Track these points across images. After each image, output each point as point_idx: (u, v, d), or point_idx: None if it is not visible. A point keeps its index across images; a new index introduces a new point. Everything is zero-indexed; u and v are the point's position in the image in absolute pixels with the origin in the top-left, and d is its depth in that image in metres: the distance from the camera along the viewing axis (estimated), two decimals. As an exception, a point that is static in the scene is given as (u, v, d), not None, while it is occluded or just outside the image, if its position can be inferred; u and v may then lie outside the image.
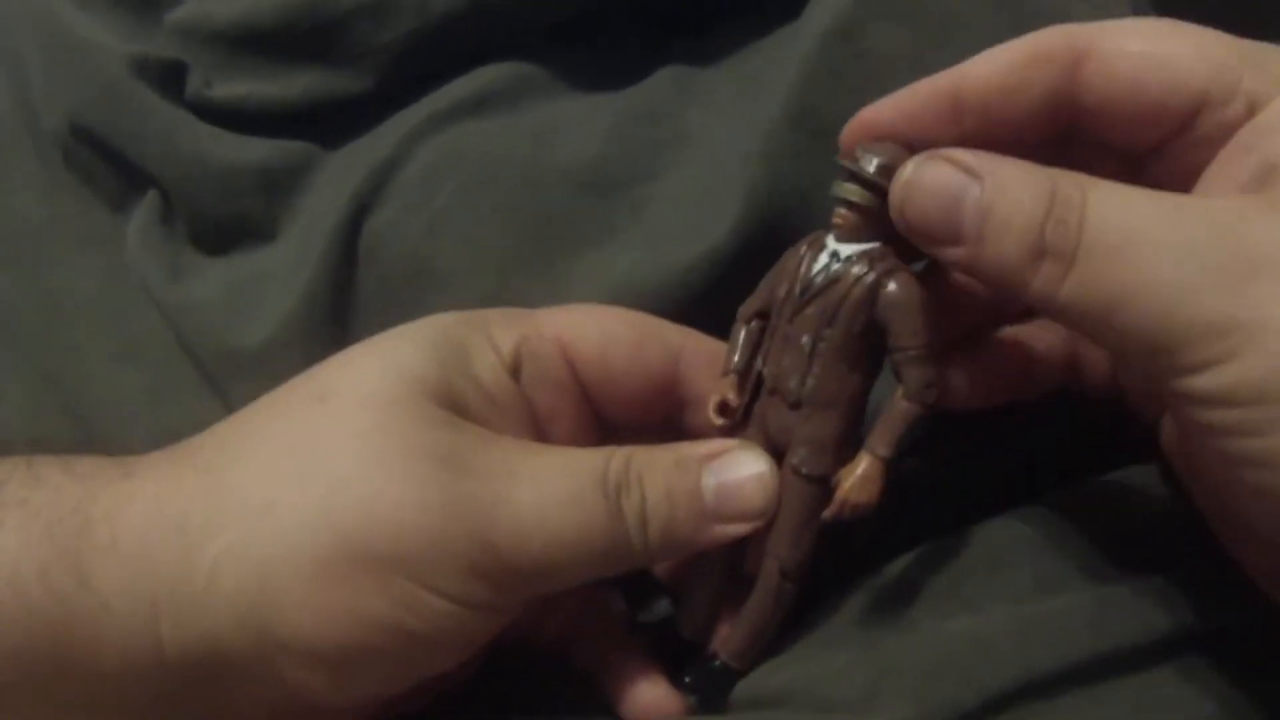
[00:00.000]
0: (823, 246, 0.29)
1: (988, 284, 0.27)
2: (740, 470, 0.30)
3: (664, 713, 0.32)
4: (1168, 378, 0.24)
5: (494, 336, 0.32)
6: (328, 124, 0.39)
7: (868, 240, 0.29)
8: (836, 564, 0.32)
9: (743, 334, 0.31)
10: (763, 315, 0.31)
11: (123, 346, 0.41)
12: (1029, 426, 0.33)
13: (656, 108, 0.37)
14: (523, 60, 0.38)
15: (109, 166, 0.42)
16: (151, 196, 0.41)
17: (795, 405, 0.30)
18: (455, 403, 0.30)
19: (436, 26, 0.37)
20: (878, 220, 0.28)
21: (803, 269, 0.29)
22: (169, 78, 0.40)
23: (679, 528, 0.29)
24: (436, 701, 0.32)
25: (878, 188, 0.28)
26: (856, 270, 0.29)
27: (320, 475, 0.28)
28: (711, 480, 0.30)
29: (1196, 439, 0.25)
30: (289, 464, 0.28)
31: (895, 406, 0.28)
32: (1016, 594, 0.29)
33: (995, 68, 0.27)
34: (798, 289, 0.29)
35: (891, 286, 0.28)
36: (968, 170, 0.26)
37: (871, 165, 0.28)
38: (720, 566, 0.32)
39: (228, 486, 0.29)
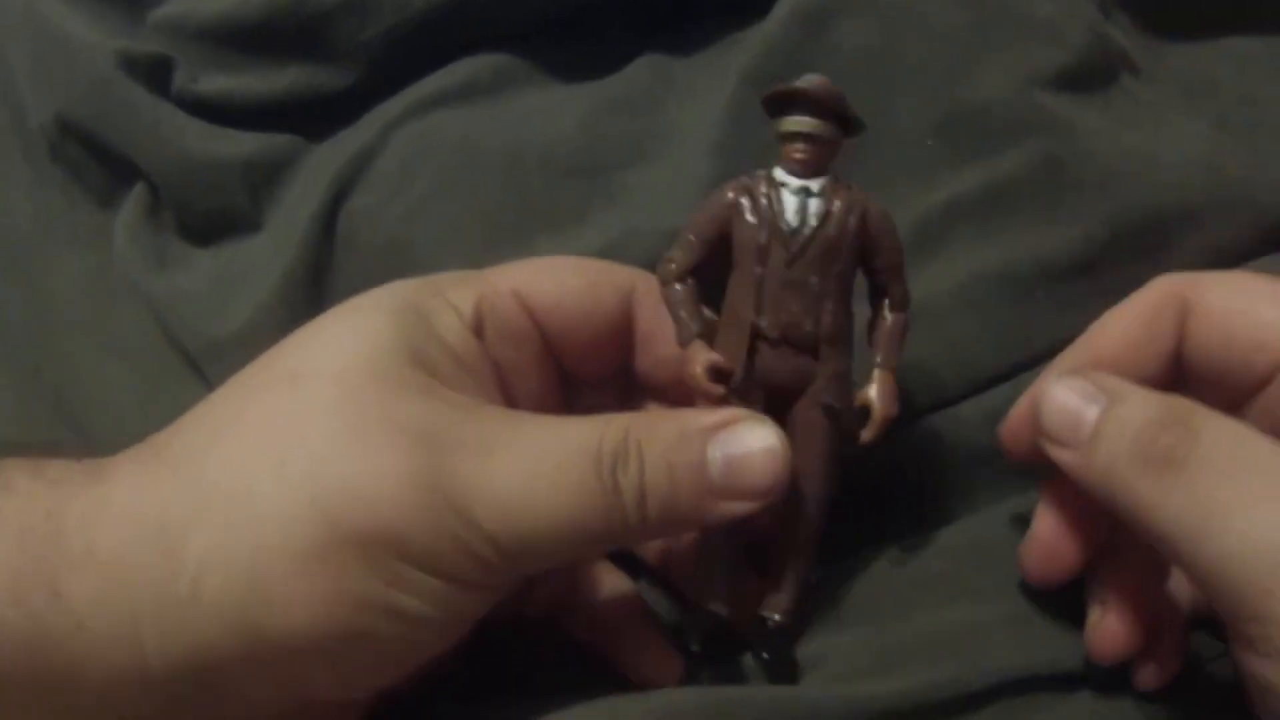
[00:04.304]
0: (781, 186, 0.29)
1: (1094, 492, 0.28)
2: (750, 443, 0.28)
3: (668, 676, 0.31)
4: (1239, 619, 0.24)
5: (452, 298, 0.31)
6: (312, 117, 0.40)
7: (824, 173, 0.29)
8: (837, 550, 0.33)
9: (685, 297, 0.30)
10: (692, 272, 0.30)
11: (110, 340, 0.41)
12: None
13: (635, 97, 0.38)
14: (503, 53, 0.39)
15: (96, 162, 0.42)
16: (139, 189, 0.41)
17: (812, 347, 0.30)
18: (426, 367, 0.29)
19: (419, 22, 0.38)
20: (831, 148, 0.29)
21: (781, 215, 0.29)
22: (155, 73, 0.40)
23: (680, 504, 0.28)
24: (426, 681, 0.32)
25: (832, 112, 0.29)
26: (840, 204, 0.29)
27: (299, 458, 0.27)
28: (718, 453, 0.28)
29: (1254, 689, 0.25)
30: (265, 449, 0.27)
31: (889, 321, 0.30)
32: (1009, 583, 0.30)
33: (1119, 330, 0.30)
34: (787, 233, 0.29)
35: (874, 210, 0.29)
36: (1095, 383, 0.28)
37: (820, 89, 0.29)
38: (729, 539, 0.31)
39: (203, 480, 0.27)
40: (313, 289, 0.37)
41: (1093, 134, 0.35)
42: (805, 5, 0.35)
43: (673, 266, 0.30)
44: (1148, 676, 0.29)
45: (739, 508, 0.28)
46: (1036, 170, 0.34)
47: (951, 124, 0.35)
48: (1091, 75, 0.36)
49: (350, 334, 0.29)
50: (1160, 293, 0.30)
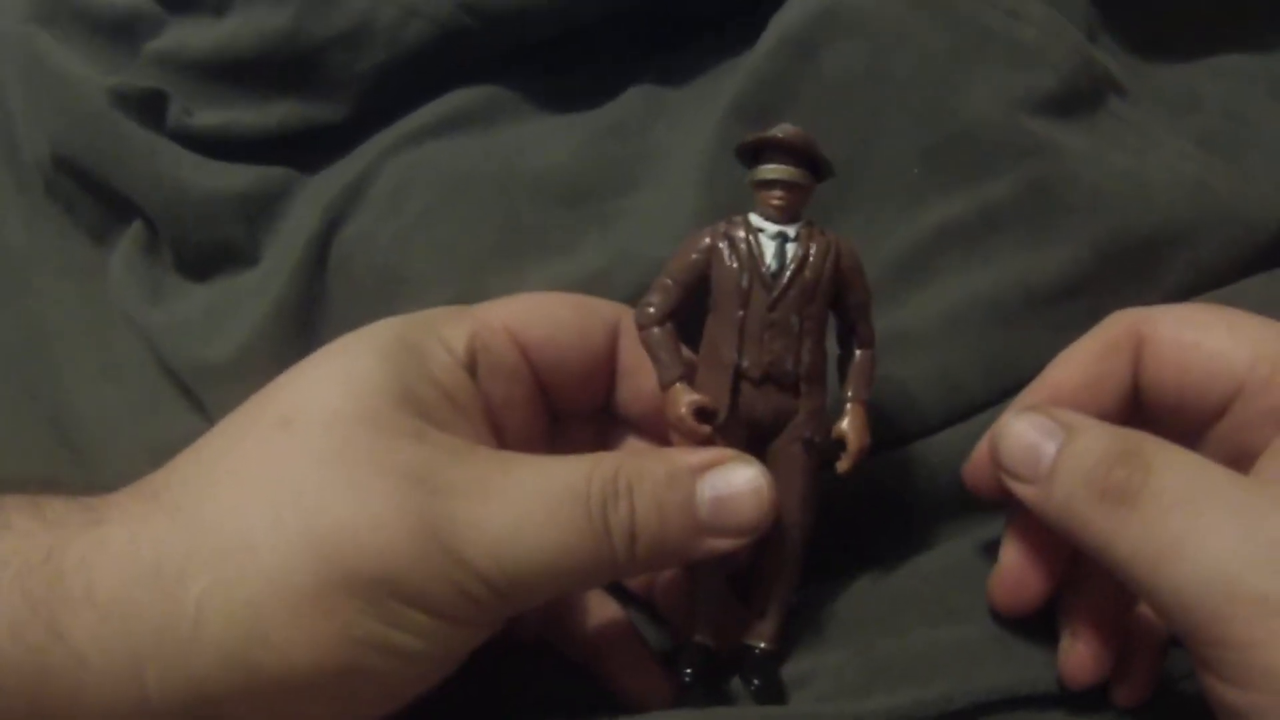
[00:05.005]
0: (758, 231, 0.30)
1: (1054, 526, 0.28)
2: (737, 483, 0.29)
3: (660, 696, 0.32)
4: (1199, 644, 0.25)
5: (445, 335, 0.31)
6: (306, 150, 0.40)
7: (799, 218, 0.30)
8: (822, 573, 0.33)
9: (665, 340, 0.30)
10: (671, 316, 0.31)
11: (104, 366, 0.41)
12: None
13: (626, 125, 0.38)
14: (494, 84, 0.39)
15: (91, 198, 0.42)
16: (136, 227, 0.42)
17: (793, 385, 0.30)
18: (418, 408, 0.29)
19: (410, 55, 0.38)
20: (805, 193, 0.30)
21: (761, 259, 0.30)
22: (150, 107, 0.40)
23: (669, 542, 0.29)
24: (418, 701, 0.32)
25: (805, 157, 0.30)
26: (815, 246, 0.30)
27: (293, 503, 0.27)
28: (707, 493, 0.29)
29: (1219, 711, 0.25)
30: (261, 495, 0.28)
31: (858, 359, 0.31)
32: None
33: (1076, 367, 0.30)
34: (768, 277, 0.30)
35: (846, 251, 0.30)
36: (1054, 418, 0.28)
37: (795, 137, 0.30)
38: (714, 572, 0.32)
39: (201, 525, 0.28)
40: (305, 314, 0.38)
41: (1080, 156, 0.35)
42: (793, 33, 0.36)
43: (651, 310, 0.31)
44: (1123, 695, 0.29)
45: (726, 544, 0.29)
46: (1024, 194, 0.35)
47: (939, 149, 0.35)
48: (1078, 98, 0.36)
49: (342, 375, 0.29)
50: (1114, 329, 0.31)
